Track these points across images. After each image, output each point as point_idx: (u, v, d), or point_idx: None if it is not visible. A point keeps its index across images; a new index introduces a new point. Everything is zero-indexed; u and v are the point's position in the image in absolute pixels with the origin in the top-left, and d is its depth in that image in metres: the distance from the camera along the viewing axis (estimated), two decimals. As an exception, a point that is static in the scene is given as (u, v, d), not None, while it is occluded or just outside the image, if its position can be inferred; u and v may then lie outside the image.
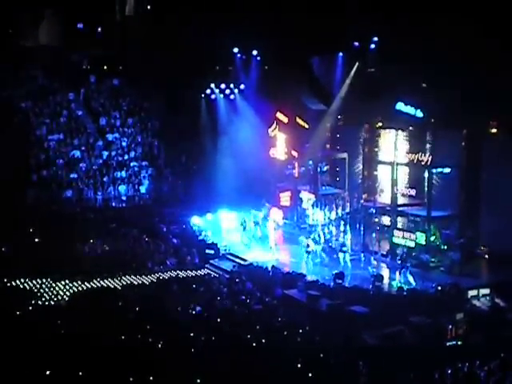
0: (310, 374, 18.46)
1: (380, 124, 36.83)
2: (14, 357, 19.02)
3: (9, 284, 28.96)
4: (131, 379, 17.87)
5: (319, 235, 34.78)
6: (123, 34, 53.09)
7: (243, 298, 27.75)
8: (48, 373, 18.19)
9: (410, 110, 33.25)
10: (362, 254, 33.62)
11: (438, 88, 32.49)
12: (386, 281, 30.37)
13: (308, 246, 33.16)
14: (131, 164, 45.49)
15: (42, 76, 48.29)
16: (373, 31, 36.43)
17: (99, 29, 51.89)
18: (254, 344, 21.46)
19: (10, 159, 42.71)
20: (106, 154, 45.56)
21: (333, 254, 33.55)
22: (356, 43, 37.60)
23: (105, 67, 50.01)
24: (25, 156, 43.76)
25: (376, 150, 37.25)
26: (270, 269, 31.76)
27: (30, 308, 26.13)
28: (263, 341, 21.93)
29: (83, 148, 45.39)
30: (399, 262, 31.04)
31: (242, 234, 36.31)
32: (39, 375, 17.99)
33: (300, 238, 34.55)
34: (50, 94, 47.62)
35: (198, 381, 17.75)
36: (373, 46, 36.94)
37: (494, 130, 33.08)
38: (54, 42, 51.43)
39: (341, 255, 32.91)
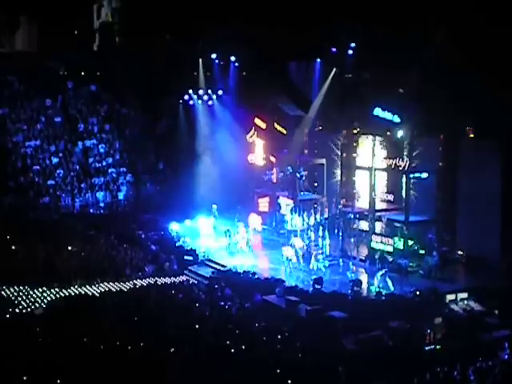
0: (290, 381, 18.45)
1: (358, 129, 36.96)
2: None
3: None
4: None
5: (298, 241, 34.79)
6: (100, 41, 52.98)
7: (222, 303, 27.69)
8: (25, 379, 18.08)
9: (387, 115, 33.37)
10: (341, 260, 33.63)
11: (416, 93, 32.70)
12: (364, 286, 30.39)
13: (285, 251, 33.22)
14: (109, 170, 45.35)
15: (18, 82, 48.01)
16: (350, 37, 36.59)
17: (76, 35, 51.71)
18: (233, 350, 21.41)
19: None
20: (83, 160, 45.37)
21: (310, 259, 33.54)
22: (333, 49, 37.74)
23: (82, 73, 49.80)
24: (1, 162, 43.49)
25: (354, 155, 37.37)
26: (249, 275, 31.72)
27: (7, 316, 25.90)
28: (242, 347, 21.90)
29: (60, 154, 45.18)
30: (379, 265, 31.09)
31: (229, 242, 36.02)
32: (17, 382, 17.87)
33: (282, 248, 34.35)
34: (27, 100, 47.35)
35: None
36: (350, 51, 37.08)
37: (470, 135, 33.28)
38: (30, 48, 51.20)
39: (314, 262, 32.85)
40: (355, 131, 37.13)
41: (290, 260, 33.00)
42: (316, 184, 41.15)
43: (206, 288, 30.36)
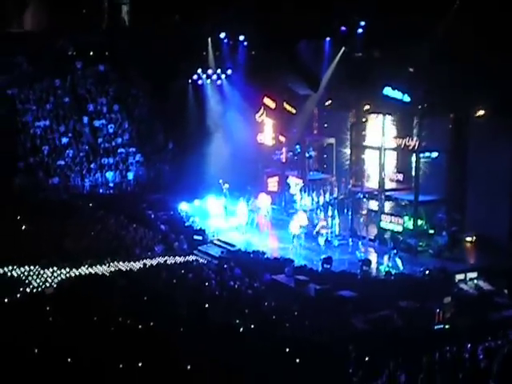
0: (298, 360, 18.51)
1: (367, 109, 36.80)
2: (1, 343, 19.01)
3: (-4, 272, 28.89)
4: (120, 365, 17.88)
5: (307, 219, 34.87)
6: (109, 21, 52.84)
7: (231, 283, 27.76)
8: (36, 359, 18.21)
9: (397, 94, 33.22)
10: (350, 239, 33.70)
11: (425, 72, 32.52)
12: (373, 265, 30.45)
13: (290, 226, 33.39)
14: (118, 150, 45.38)
15: (27, 62, 47.95)
16: (360, 15, 36.35)
17: (85, 15, 51.57)
18: (242, 329, 21.49)
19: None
20: (92, 140, 45.42)
21: (316, 238, 33.61)
22: (343, 28, 37.50)
23: (91, 53, 49.70)
24: (11, 143, 43.57)
25: (363, 134, 37.26)
26: (258, 254, 31.78)
27: (18, 295, 26.06)
28: (252, 326, 21.98)
29: (70, 134, 45.22)
30: (390, 245, 31.08)
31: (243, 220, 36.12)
32: (28, 361, 17.99)
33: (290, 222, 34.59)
34: (36, 80, 47.33)
35: (188, 367, 17.78)
36: (360, 30, 36.85)
37: (481, 112, 33.03)
38: (39, 28, 51.10)
39: (320, 239, 32.99)
40: (365, 110, 36.96)
41: (296, 236, 33.05)
42: (325, 164, 41.08)
43: (215, 268, 30.44)
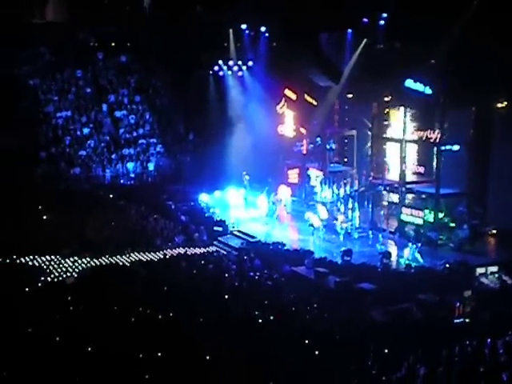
0: (317, 352, 18.53)
1: (389, 101, 36.64)
2: (23, 332, 19.18)
3: (18, 261, 29.09)
4: (140, 355, 17.98)
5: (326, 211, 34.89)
6: (131, 12, 52.89)
7: (251, 274, 27.81)
8: (57, 347, 18.35)
9: (418, 86, 33.05)
10: (370, 232, 33.65)
11: (447, 65, 32.31)
12: (393, 258, 30.39)
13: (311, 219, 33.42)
14: (139, 141, 45.52)
15: (49, 53, 48.18)
16: (382, 7, 36.15)
17: (106, 6, 51.66)
18: (261, 320, 21.53)
19: (18, 136, 42.83)
20: (114, 131, 45.60)
21: (336, 230, 33.62)
22: (365, 19, 37.31)
23: (112, 44, 49.84)
24: (33, 133, 43.84)
25: (385, 127, 37.12)
26: (278, 246, 31.81)
27: (39, 285, 26.26)
28: (271, 317, 22.01)
29: (91, 125, 45.42)
30: (410, 238, 30.99)
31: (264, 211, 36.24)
32: (49, 350, 18.13)
33: (306, 213, 34.65)
34: (58, 71, 47.56)
35: (207, 357, 17.85)
36: (382, 22, 36.65)
37: (503, 104, 32.78)
38: (60, 19, 51.28)
39: (341, 232, 33.01)
40: (386, 103, 36.81)
41: (315, 228, 33.10)
42: (346, 156, 40.98)
43: (235, 259, 30.50)
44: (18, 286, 24.91)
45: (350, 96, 40.24)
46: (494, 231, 32.81)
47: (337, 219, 34.10)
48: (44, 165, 42.12)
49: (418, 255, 29.76)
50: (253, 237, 33.71)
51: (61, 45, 48.25)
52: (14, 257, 29.16)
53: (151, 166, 44.58)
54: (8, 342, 18.40)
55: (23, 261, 29.23)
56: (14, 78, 46.04)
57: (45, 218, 33.99)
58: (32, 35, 47.49)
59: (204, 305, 22.85)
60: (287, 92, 40.95)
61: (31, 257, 29.53)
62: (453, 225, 32.76)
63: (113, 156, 43.97)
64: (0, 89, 44.39)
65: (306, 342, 19.33)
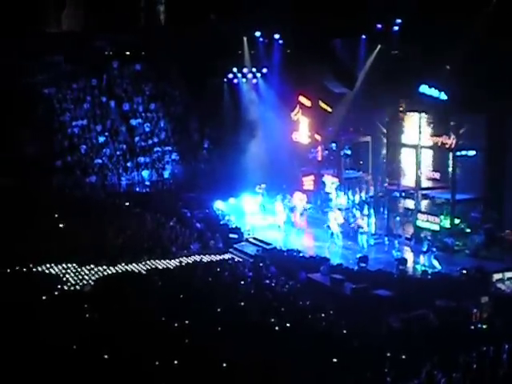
0: (334, 359, 18.49)
1: (403, 107, 36.54)
2: (40, 340, 19.26)
3: (35, 269, 29.20)
4: (156, 363, 18.01)
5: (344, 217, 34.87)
6: (146, 20, 53.15)
7: (267, 281, 27.79)
8: (73, 355, 18.41)
9: (433, 92, 32.97)
10: (386, 238, 33.54)
11: (462, 70, 32.21)
12: (410, 264, 30.27)
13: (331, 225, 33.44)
14: (154, 149, 45.67)
15: (64, 62, 48.43)
16: (396, 13, 36.12)
17: (121, 15, 51.91)
18: (278, 328, 21.51)
19: (34, 145, 43.09)
20: (129, 139, 45.77)
21: (353, 236, 33.54)
22: (379, 25, 37.28)
23: (127, 53, 50.06)
24: (49, 142, 44.07)
25: (400, 133, 37.01)
26: (294, 253, 31.78)
27: (56, 293, 26.35)
28: (287, 324, 21.98)
29: (107, 133, 45.62)
30: (426, 246, 30.87)
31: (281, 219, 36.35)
32: (64, 358, 18.19)
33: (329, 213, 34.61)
34: (73, 80, 47.79)
35: (223, 365, 17.85)
36: (396, 27, 36.61)
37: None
38: (76, 27, 51.59)
39: (360, 237, 32.96)
40: (401, 108, 36.70)
41: (335, 234, 33.11)
42: (361, 162, 40.91)
43: (251, 266, 30.49)
44: (34, 294, 25.01)
45: (365, 102, 40.17)
46: (511, 236, 32.57)
47: (351, 225, 34.05)
48: (60, 173, 42.33)
49: (434, 261, 29.64)
50: (268, 244, 33.68)
51: (76, 54, 48.50)
52: (31, 265, 29.25)
53: (166, 174, 44.75)
54: (25, 351, 18.48)
55: (40, 269, 29.31)
56: (30, 87, 46.32)
57: (61, 226, 34.12)
58: (47, 44, 47.79)
59: (220, 312, 22.86)
60: (302, 99, 40.96)
61: (48, 265, 29.62)
62: (469, 230, 32.62)
63: (128, 164, 44.14)
64: (16, 98, 44.71)
65: (323, 348, 19.29)
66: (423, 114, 34.97)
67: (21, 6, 47.12)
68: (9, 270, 28.36)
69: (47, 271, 29.30)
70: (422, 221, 33.59)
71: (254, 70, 44.47)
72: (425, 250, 30.68)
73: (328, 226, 33.84)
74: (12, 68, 46.04)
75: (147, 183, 43.97)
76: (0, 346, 18.79)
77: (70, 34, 50.58)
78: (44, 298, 24.80)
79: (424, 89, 33.06)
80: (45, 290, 26.11)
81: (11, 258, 29.13)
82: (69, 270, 29.43)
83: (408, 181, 36.37)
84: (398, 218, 34.96)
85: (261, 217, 37.53)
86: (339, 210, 35.81)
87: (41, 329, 20.14)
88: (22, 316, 21.29)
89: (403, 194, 36.16)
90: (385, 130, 37.74)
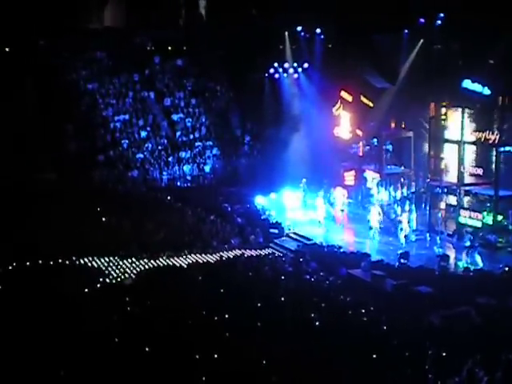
0: (374, 355, 18.41)
1: (446, 102, 36.20)
2: (82, 332, 19.49)
3: (78, 262, 29.57)
4: (197, 356, 18.11)
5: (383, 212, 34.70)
6: (187, 16, 53.39)
7: (308, 277, 27.76)
8: (115, 348, 18.60)
9: (476, 87, 32.61)
10: (428, 234, 33.29)
11: (506, 64, 31.79)
12: (451, 261, 30.01)
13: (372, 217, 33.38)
14: (196, 144, 45.90)
15: (107, 58, 48.93)
16: (438, 7, 35.76)
17: (163, 10, 52.24)
18: (318, 323, 21.49)
19: (77, 141, 43.62)
20: (170, 134, 46.05)
21: (394, 232, 33.35)
22: (421, 19, 36.95)
23: (169, 48, 50.35)
24: (92, 137, 44.56)
25: (442, 128, 36.68)
26: (334, 248, 31.71)
27: (98, 286, 26.66)
28: (328, 320, 21.94)
29: (148, 128, 45.95)
30: (468, 243, 30.57)
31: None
32: (106, 351, 18.39)
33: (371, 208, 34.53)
34: (116, 75, 48.24)
35: (264, 362, 17.87)
36: (439, 22, 36.25)
37: None
38: (118, 23, 52.05)
39: (400, 233, 32.76)
40: (444, 104, 36.38)
41: (375, 229, 32.99)
42: (403, 157, 40.63)
43: (291, 261, 30.48)
44: (77, 286, 25.32)
45: (407, 97, 39.86)
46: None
47: (393, 221, 33.86)
48: (102, 168, 42.77)
49: (477, 258, 29.34)
50: (309, 239, 33.64)
51: (118, 49, 48.97)
52: (74, 258, 29.63)
53: (207, 169, 44.96)
54: (68, 342, 18.72)
55: (82, 262, 29.68)
56: (73, 82, 46.87)
57: (103, 220, 34.47)
58: (90, 40, 48.31)
59: (260, 307, 22.89)
60: (343, 94, 40.83)
61: (90, 258, 29.96)
62: (512, 227, 32.26)
63: (170, 159, 44.44)
64: (59, 94, 45.29)
65: (363, 345, 19.23)
66: (466, 110, 34.63)
67: (63, 4, 47.69)
68: (52, 263, 28.73)
69: (90, 264, 29.64)
70: (464, 217, 33.29)
71: (295, 64, 44.43)
72: (467, 245, 30.36)
73: (368, 221, 33.75)
74: (56, 65, 46.67)
75: (188, 178, 44.23)
76: (44, 337, 19.05)
77: (112, 30, 51.06)
78: (86, 290, 25.09)
79: (467, 84, 32.71)
80: (87, 282, 26.42)
81: (55, 251, 29.52)
82: (111, 264, 29.72)
83: (450, 177, 36.06)
84: (439, 214, 34.65)
85: (301, 212, 37.48)
86: (379, 205, 35.62)
87: (83, 321, 20.38)
88: (65, 308, 21.56)
89: (445, 190, 35.89)
90: (427, 126, 37.45)
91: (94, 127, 45.17)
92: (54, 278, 26.63)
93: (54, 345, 18.52)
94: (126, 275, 28.74)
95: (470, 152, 35.41)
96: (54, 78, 46.78)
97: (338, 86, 40.80)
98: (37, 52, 46.94)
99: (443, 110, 36.40)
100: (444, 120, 36.34)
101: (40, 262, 28.63)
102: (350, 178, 40.71)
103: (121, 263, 29.81)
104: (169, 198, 39.51)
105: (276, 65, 44.81)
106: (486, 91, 32.56)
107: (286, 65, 44.61)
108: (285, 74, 44.96)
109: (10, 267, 28.10)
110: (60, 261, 29.15)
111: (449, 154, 36.45)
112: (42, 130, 43.47)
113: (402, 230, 32.94)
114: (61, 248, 29.97)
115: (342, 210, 37.44)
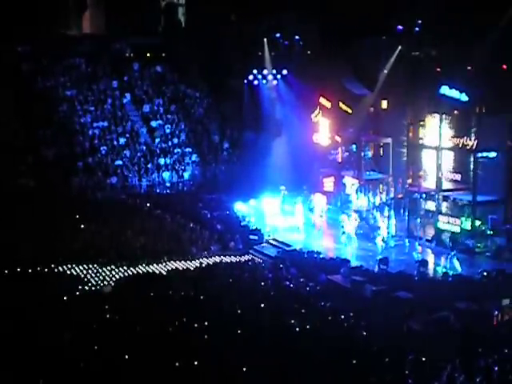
0: (355, 361, 18.44)
1: (424, 108, 36.40)
2: (60, 341, 19.36)
3: (56, 270, 29.38)
4: (177, 364, 18.04)
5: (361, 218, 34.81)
6: (166, 22, 53.40)
7: (287, 283, 27.77)
8: (94, 355, 18.48)
9: (454, 93, 32.83)
10: (407, 240, 33.44)
11: (484, 71, 32.05)
12: (430, 266, 30.14)
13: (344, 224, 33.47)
14: (175, 150, 45.80)
15: (85, 64, 48.77)
16: (417, 14, 36.01)
17: (142, 17, 52.23)
18: (298, 329, 21.49)
19: (55, 147, 43.39)
20: (149, 140, 45.94)
21: (373, 238, 33.45)
22: (399, 26, 37.18)
23: (148, 54, 50.30)
24: (70, 144, 44.35)
25: (420, 134, 36.87)
26: (314, 254, 31.74)
27: (77, 293, 26.50)
28: (307, 326, 21.95)
29: (127, 135, 45.82)
30: (447, 247, 30.74)
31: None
32: (85, 359, 18.27)
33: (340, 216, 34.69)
34: (94, 81, 48.10)
35: (244, 369, 17.84)
36: (416, 29, 36.47)
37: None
38: (97, 30, 51.95)
39: (377, 239, 32.88)
40: (422, 110, 36.57)
41: (346, 233, 33.13)
42: (382, 164, 40.78)
43: (271, 267, 30.48)
44: (55, 294, 25.15)
45: (385, 103, 40.08)
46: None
47: (371, 227, 33.99)
48: (81, 174, 42.57)
49: (456, 263, 29.49)
50: (288, 245, 33.67)
51: (97, 56, 48.85)
52: (53, 265, 29.43)
53: (187, 175, 44.87)
54: (46, 351, 18.58)
55: (61, 270, 29.49)
56: (52, 88, 46.67)
57: (82, 227, 34.29)
58: (69, 46, 48.17)
59: (240, 313, 22.87)
60: (322, 100, 40.95)
61: (69, 265, 29.80)
62: (490, 232, 32.43)
63: (149, 165, 44.30)
64: (37, 100, 45.07)
65: (343, 350, 19.25)
66: (444, 116, 34.84)
67: (42, 10, 47.51)
68: (30, 271, 28.52)
69: (68, 272, 29.47)
70: (443, 222, 33.45)
71: (274, 71, 44.51)
72: (449, 248, 30.55)
73: (342, 227, 33.85)
74: (34, 71, 46.46)
75: (167, 185, 44.11)
76: (20, 345, 18.90)
77: (91, 36, 50.95)
78: (65, 298, 24.92)
79: (445, 90, 32.93)
80: (66, 290, 26.24)
81: (33, 259, 29.31)
82: (90, 271, 29.57)
83: (429, 182, 36.25)
84: (418, 220, 34.82)
85: (281, 218, 37.50)
86: (355, 212, 35.73)
87: (61, 329, 20.24)
88: (44, 316, 21.41)
89: (424, 196, 36.05)
90: (405, 132, 37.63)
91: (73, 134, 44.95)
92: (33, 286, 26.42)
93: (33, 353, 18.37)
94: (105, 283, 28.61)
95: (448, 158, 35.62)
96: (33, 84, 46.58)
97: (317, 92, 40.92)
98: (15, 58, 46.72)
99: (421, 117, 36.59)
100: (422, 126, 36.54)
101: (18, 269, 28.40)
102: (329, 184, 40.81)
103: (100, 270, 29.67)
104: (148, 204, 39.39)
105: (255, 71, 44.86)
106: (464, 97, 32.78)
107: (265, 71, 44.68)
108: (264, 81, 45.03)
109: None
110: (38, 268, 28.93)
111: (427, 159, 36.64)
112: (20, 137, 43.20)
113: (379, 235, 33.07)
114: (39, 255, 29.78)
115: (321, 216, 37.55)
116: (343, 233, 33.77)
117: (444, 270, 29.21)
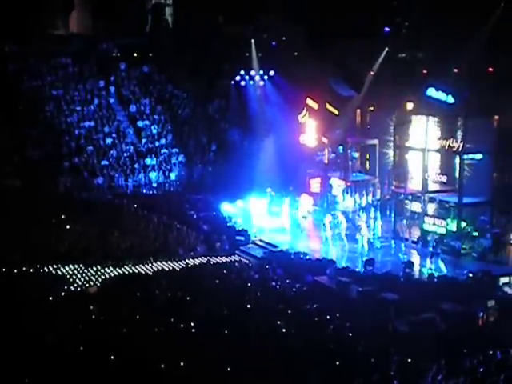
0: (338, 362, 18.48)
1: (410, 110, 36.53)
2: (46, 341, 19.30)
3: (41, 270, 29.28)
4: (162, 365, 18.02)
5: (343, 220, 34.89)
6: (153, 22, 53.34)
7: (273, 284, 27.78)
8: (80, 356, 18.44)
9: (441, 95, 32.95)
10: (393, 241, 33.52)
11: (470, 73, 32.21)
12: (416, 267, 30.22)
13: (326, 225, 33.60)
14: (161, 151, 45.72)
15: (72, 64, 48.65)
16: (404, 16, 36.17)
17: (129, 17, 52.17)
18: (284, 330, 21.51)
19: (42, 147, 43.23)
20: (136, 140, 45.85)
21: (355, 238, 33.55)
22: (386, 28, 37.32)
23: (135, 55, 50.23)
24: (56, 143, 44.20)
25: (407, 136, 36.98)
26: (300, 255, 31.77)
27: (63, 294, 26.41)
28: (293, 327, 21.97)
29: (114, 135, 45.71)
30: (431, 248, 30.87)
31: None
32: (70, 360, 18.22)
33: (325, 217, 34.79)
34: (81, 81, 47.98)
35: (229, 369, 17.85)
36: (404, 31, 36.62)
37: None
38: (84, 30, 51.84)
39: (360, 240, 32.96)
40: (408, 111, 36.69)
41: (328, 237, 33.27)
42: (368, 165, 40.88)
43: (257, 268, 30.48)
44: (41, 294, 25.07)
45: (372, 105, 40.19)
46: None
47: (360, 228, 34.05)
48: (67, 175, 42.42)
49: (441, 264, 29.60)
50: (275, 246, 33.68)
51: (84, 56, 48.73)
52: (38, 266, 29.33)
53: (173, 176, 44.78)
54: (32, 351, 18.52)
55: (46, 270, 29.39)
56: (38, 88, 46.51)
57: (68, 227, 34.19)
58: (55, 46, 48.02)
59: (226, 314, 22.86)
60: (309, 101, 40.99)
61: (54, 266, 29.69)
62: (476, 234, 32.56)
63: (135, 166, 44.19)
64: (24, 99, 44.91)
65: (329, 351, 19.29)
66: (430, 117, 34.96)
67: (29, 10, 47.37)
68: (16, 271, 28.42)
69: (54, 272, 29.36)
70: (429, 224, 33.56)
71: (261, 72, 44.54)
72: (431, 249, 30.65)
73: (324, 225, 33.95)
74: (21, 70, 46.30)
75: (154, 185, 44.02)
76: (8, 345, 18.83)
77: (78, 36, 50.83)
78: (50, 298, 24.84)
79: (431, 92, 33.04)
80: (51, 290, 26.16)
81: (18, 259, 29.21)
82: (75, 271, 29.48)
83: (415, 184, 36.35)
84: (404, 221, 34.93)
85: (267, 219, 37.50)
86: (341, 213, 35.80)
87: (47, 329, 20.17)
88: (29, 316, 21.33)
89: (410, 197, 36.16)
90: (392, 133, 37.72)
91: (59, 134, 44.79)
92: (18, 286, 26.32)
93: (19, 353, 18.30)
94: (91, 283, 28.53)
95: (435, 159, 35.74)
96: (19, 83, 46.41)
97: (304, 93, 40.96)
98: (2, 57, 46.54)
99: (408, 118, 36.70)
100: (408, 128, 36.64)
101: (3, 269, 28.29)
102: (315, 185, 40.85)
103: (85, 271, 29.58)
104: (134, 205, 39.29)
105: (242, 72, 44.88)
106: (450, 99, 32.92)
107: (253, 72, 44.72)
108: (251, 82, 45.05)
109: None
110: (24, 269, 28.84)
111: (413, 161, 36.74)
112: (6, 136, 43.02)
113: (362, 236, 33.16)
114: (25, 256, 29.66)
115: (305, 217, 37.55)
116: (325, 236, 33.82)
117: (430, 272, 29.31)
